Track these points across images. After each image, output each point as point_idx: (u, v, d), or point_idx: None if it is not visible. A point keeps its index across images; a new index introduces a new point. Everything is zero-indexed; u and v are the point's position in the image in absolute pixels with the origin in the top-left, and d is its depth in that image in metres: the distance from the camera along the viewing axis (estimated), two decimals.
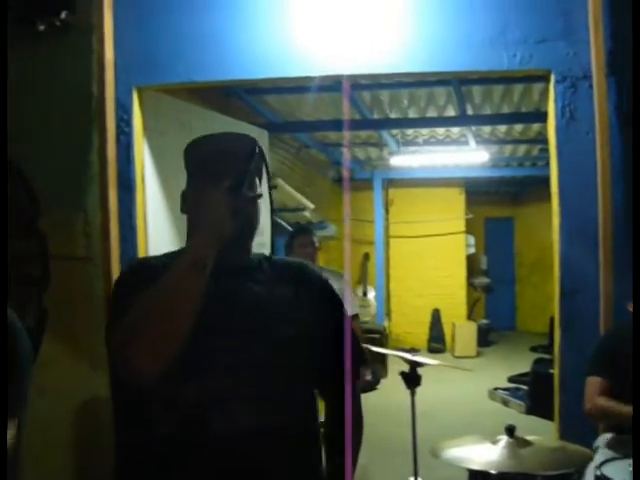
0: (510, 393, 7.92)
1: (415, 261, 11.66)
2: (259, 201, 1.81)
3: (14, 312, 2.08)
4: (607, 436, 3.14)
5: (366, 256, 11.64)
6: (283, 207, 9.30)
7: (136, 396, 1.65)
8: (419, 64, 3.90)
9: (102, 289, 3.98)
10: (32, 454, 3.81)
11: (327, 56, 3.93)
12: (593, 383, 3.19)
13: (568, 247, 3.86)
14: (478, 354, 10.99)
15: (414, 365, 3.16)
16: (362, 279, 11.68)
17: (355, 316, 4.73)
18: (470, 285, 12.44)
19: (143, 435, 1.68)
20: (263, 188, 1.88)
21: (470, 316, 12.07)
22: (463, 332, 11.03)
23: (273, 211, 2.01)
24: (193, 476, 1.59)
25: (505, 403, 7.74)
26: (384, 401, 7.79)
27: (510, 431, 2.31)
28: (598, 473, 2.42)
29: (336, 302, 1.93)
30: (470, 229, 12.08)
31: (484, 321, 12.08)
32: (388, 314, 11.66)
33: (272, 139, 7.12)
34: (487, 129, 8.29)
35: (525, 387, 7.83)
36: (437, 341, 11.49)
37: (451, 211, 11.55)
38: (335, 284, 4.62)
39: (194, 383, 1.59)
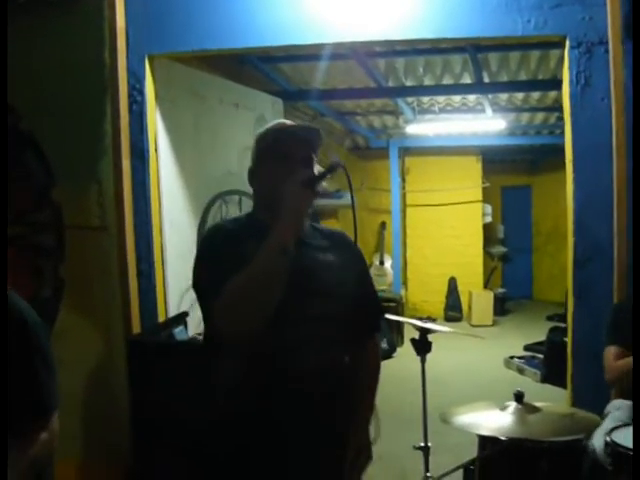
0: (525, 361, 7.92)
1: (432, 230, 11.62)
2: None
3: (24, 302, 2.10)
4: (617, 402, 3.15)
5: (383, 225, 11.62)
6: None
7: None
8: (432, 30, 3.86)
9: (116, 258, 4.03)
10: None
11: (340, 23, 3.90)
12: (611, 352, 3.24)
13: (582, 215, 3.84)
14: (494, 323, 10.97)
15: (424, 332, 3.18)
16: (379, 248, 11.67)
17: None
18: (487, 254, 12.40)
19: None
20: None
21: (487, 285, 12.04)
22: (479, 301, 11.02)
23: None
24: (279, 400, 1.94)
25: (520, 371, 7.74)
26: (399, 369, 7.81)
27: (519, 397, 2.32)
28: (607, 439, 2.43)
29: (364, 262, 2.28)
30: (487, 198, 12.00)
31: (501, 290, 12.04)
32: (405, 283, 11.66)
33: (286, 107, 7.09)
34: (504, 97, 8.17)
35: (540, 355, 7.83)
36: (454, 309, 11.49)
37: (468, 180, 11.47)
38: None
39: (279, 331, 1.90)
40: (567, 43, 3.79)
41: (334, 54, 5.57)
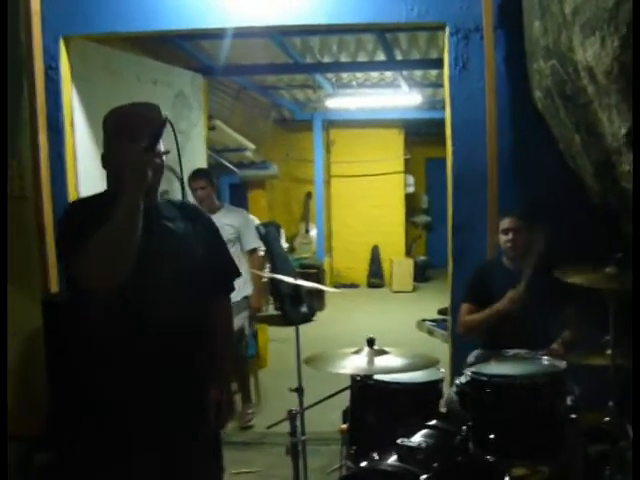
0: (436, 324, 8.41)
1: (356, 200, 12.04)
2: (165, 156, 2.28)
3: None
4: (475, 352, 3.66)
5: (308, 195, 12.00)
6: (224, 148, 9.58)
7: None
8: (325, 16, 4.23)
9: (34, 224, 4.33)
10: None
11: (241, 9, 4.24)
12: (463, 308, 3.79)
13: (459, 186, 4.30)
14: (415, 289, 11.50)
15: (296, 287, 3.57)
16: (304, 217, 12.07)
17: (254, 250, 5.19)
18: (411, 223, 12.90)
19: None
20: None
21: (410, 253, 12.55)
22: (400, 268, 11.53)
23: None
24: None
25: (430, 333, 8.25)
26: (319, 331, 8.29)
27: (370, 342, 2.74)
28: (457, 381, 2.95)
29: (214, 230, 2.52)
30: (411, 169, 12.47)
31: (422, 257, 12.58)
32: (330, 251, 12.09)
33: (211, 82, 7.38)
34: (419, 73, 8.59)
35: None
36: (376, 276, 11.98)
37: (390, 151, 11.90)
38: (236, 219, 5.02)
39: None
40: (447, 29, 4.21)
41: (251, 32, 5.87)
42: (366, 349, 2.73)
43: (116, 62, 4.90)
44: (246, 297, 5.09)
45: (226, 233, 4.99)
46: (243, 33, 5.74)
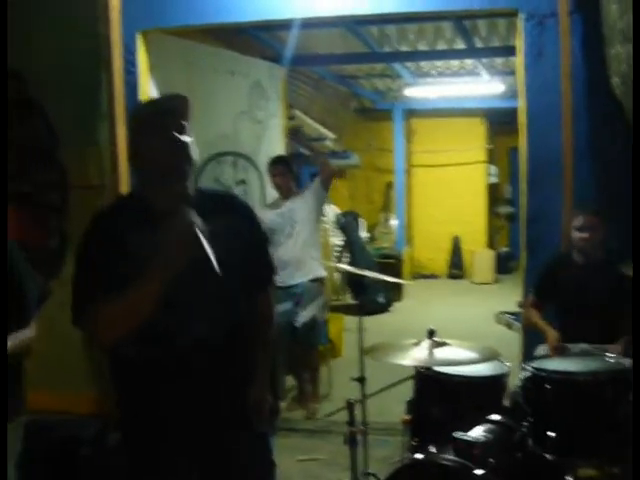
0: (516, 317, 8.24)
1: (437, 189, 11.93)
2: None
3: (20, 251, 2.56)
4: (542, 346, 3.59)
5: (389, 184, 11.95)
6: (306, 138, 9.65)
7: None
8: (398, 4, 4.19)
9: None
10: (53, 361, 4.40)
11: None
12: (529, 300, 3.71)
13: (534, 176, 4.19)
14: (496, 281, 11.32)
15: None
16: (385, 207, 12.03)
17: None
18: (494, 214, 12.69)
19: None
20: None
21: (492, 244, 12.36)
22: (481, 259, 11.36)
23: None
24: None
25: (509, 326, 8.09)
26: (395, 322, 8.27)
27: (431, 334, 2.72)
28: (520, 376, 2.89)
29: (253, 222, 2.35)
30: (494, 159, 12.26)
31: (504, 249, 12.36)
32: (410, 241, 12.03)
33: (290, 72, 7.42)
34: (499, 60, 8.41)
35: None
36: (456, 267, 11.85)
37: (472, 141, 11.72)
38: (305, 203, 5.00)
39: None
40: (521, 16, 4.10)
41: (328, 22, 5.87)
42: (426, 340, 2.71)
43: (192, 54, 5.01)
44: (317, 279, 5.11)
45: (301, 215, 5.07)
46: (319, 23, 5.78)
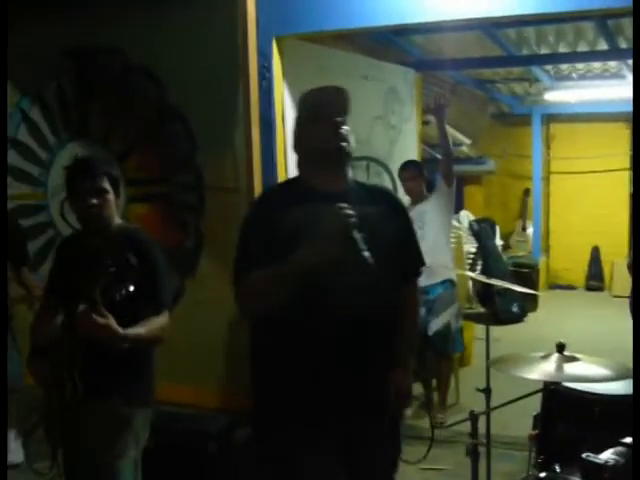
0: None
1: (576, 198, 11.44)
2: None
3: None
4: None
5: (526, 192, 11.60)
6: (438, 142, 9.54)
7: None
8: (536, 5, 4.03)
9: None
10: (187, 356, 4.57)
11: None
12: None
13: None
14: None
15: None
16: (521, 214, 11.70)
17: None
18: None
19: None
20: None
21: None
22: (622, 271, 10.81)
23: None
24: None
25: None
26: (528, 332, 8.02)
27: (560, 348, 2.61)
28: None
29: (404, 214, 2.51)
30: None
31: None
32: (547, 250, 11.62)
33: (425, 77, 7.38)
34: None
35: None
36: (595, 279, 11.31)
37: (615, 147, 11.14)
38: (435, 205, 4.95)
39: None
40: None
41: (463, 25, 5.78)
42: (555, 354, 2.61)
43: (326, 59, 5.06)
44: (447, 281, 5.04)
45: (432, 217, 5.02)
46: (455, 26, 5.69)
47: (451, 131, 9.19)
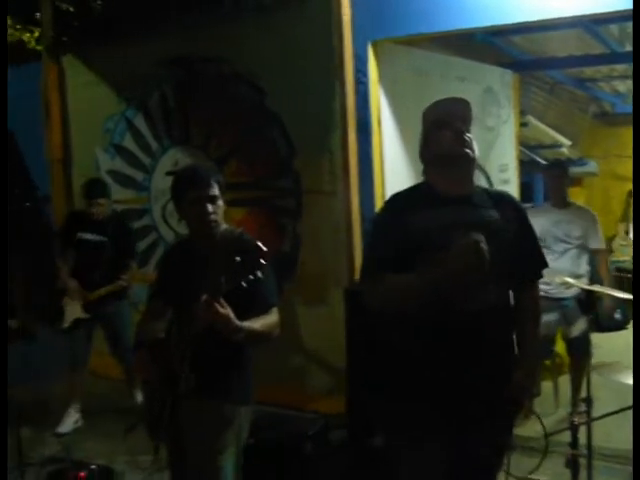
0: None
1: None
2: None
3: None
4: None
5: (630, 194, 11.17)
6: (538, 144, 9.35)
7: None
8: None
9: (343, 220, 4.62)
10: (287, 358, 4.65)
11: None
12: None
13: None
14: None
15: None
16: (625, 217, 11.27)
17: (598, 250, 5.06)
18: None
19: None
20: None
21: None
22: None
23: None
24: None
25: None
26: (629, 339, 7.71)
27: None
28: None
29: (525, 219, 2.54)
30: None
31: None
32: None
33: (524, 77, 7.23)
34: None
35: None
36: None
37: None
38: (583, 218, 4.85)
39: None
40: None
41: (562, 23, 5.63)
42: None
43: (422, 62, 5.03)
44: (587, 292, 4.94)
45: (573, 230, 4.91)
46: (553, 25, 5.55)
47: (550, 132, 9.00)
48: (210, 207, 2.69)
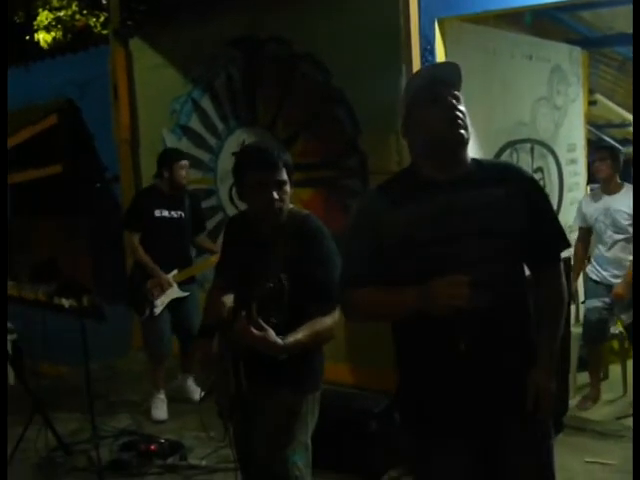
0: None
1: None
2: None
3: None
4: None
5: None
6: (607, 123, 9.12)
7: None
8: None
9: None
10: (351, 338, 4.68)
11: None
12: None
13: None
14: None
15: None
16: None
17: None
18: None
19: None
20: None
21: None
22: None
23: None
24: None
25: None
26: None
27: None
28: None
29: (537, 190, 2.22)
30: None
31: None
32: None
33: (592, 54, 7.05)
34: None
35: None
36: None
37: None
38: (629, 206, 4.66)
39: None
40: None
41: None
42: None
43: (489, 40, 4.96)
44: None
45: (620, 218, 4.80)
46: (622, 0, 5.41)
47: (619, 111, 8.76)
48: (276, 194, 2.46)
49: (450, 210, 2.03)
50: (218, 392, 2.63)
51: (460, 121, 2.04)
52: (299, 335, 2.36)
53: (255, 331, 2.22)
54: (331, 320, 2.46)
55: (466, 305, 1.88)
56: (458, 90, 2.10)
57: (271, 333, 2.26)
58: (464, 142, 2.07)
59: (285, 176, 2.52)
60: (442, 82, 2.07)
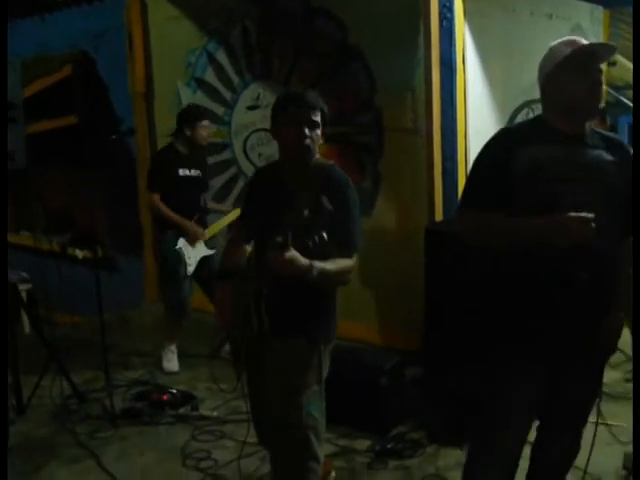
0: None
1: None
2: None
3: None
4: None
5: None
6: (626, 85, 8.98)
7: None
8: None
9: (424, 157, 4.58)
10: (365, 294, 4.70)
11: None
12: None
13: None
14: None
15: None
16: None
17: None
18: None
19: None
20: None
21: None
22: None
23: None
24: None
25: None
26: None
27: None
28: None
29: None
30: None
31: None
32: None
33: (613, 14, 6.93)
34: None
35: None
36: None
37: None
38: None
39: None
40: None
41: None
42: None
43: None
44: None
45: None
46: None
47: None
48: (308, 131, 2.55)
49: (573, 156, 2.30)
50: (236, 334, 2.67)
51: (601, 96, 2.32)
52: (326, 265, 2.42)
53: (285, 255, 2.27)
54: (352, 263, 2.58)
55: (589, 242, 2.14)
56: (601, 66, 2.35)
57: (297, 255, 2.30)
58: (598, 113, 2.38)
59: (319, 118, 2.60)
60: (597, 59, 2.32)
